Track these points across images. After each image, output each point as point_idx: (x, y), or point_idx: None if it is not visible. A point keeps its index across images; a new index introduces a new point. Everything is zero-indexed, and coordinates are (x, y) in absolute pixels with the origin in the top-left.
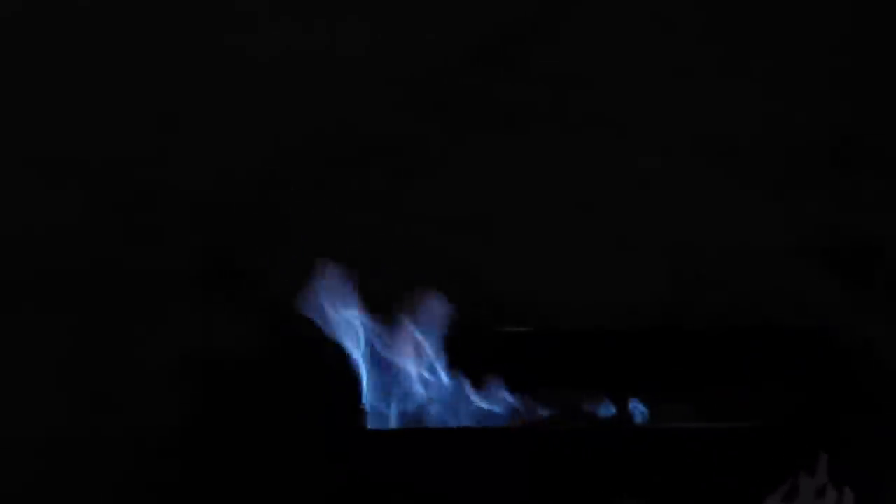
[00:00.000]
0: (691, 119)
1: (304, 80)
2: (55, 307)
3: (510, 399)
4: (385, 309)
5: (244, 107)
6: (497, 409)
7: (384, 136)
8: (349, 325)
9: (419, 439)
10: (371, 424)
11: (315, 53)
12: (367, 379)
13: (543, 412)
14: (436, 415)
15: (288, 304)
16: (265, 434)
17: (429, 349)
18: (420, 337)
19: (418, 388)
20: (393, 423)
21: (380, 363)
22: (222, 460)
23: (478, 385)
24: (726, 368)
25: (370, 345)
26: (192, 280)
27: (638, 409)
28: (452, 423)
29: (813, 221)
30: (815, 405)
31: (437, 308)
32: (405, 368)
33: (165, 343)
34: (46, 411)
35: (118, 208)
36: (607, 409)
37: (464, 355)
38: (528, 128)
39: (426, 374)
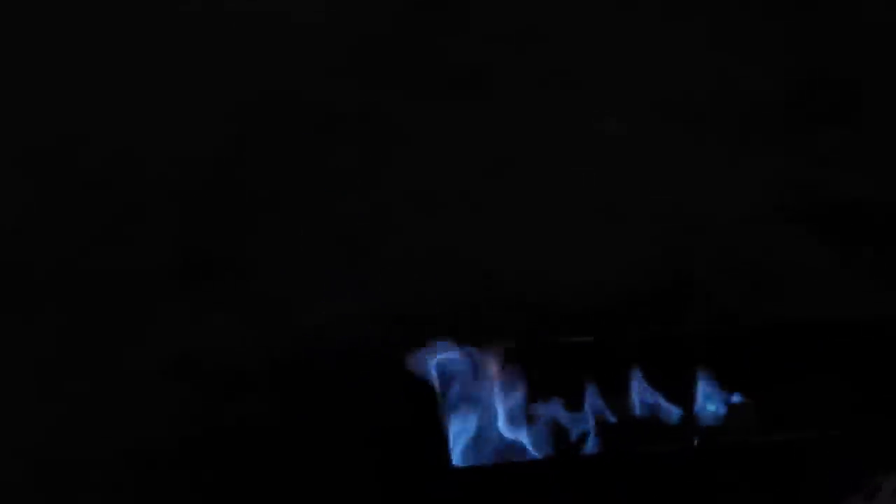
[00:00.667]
0: (654, 81)
1: (261, 48)
2: (31, 308)
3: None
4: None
5: (200, 78)
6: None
7: (347, 105)
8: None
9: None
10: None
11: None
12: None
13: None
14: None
15: (280, 297)
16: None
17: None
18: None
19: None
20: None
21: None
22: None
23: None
24: (782, 366)
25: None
26: (172, 276)
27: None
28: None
29: (784, 179)
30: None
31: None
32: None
33: (155, 345)
34: (32, 416)
35: (74, 200)
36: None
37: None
38: (490, 92)
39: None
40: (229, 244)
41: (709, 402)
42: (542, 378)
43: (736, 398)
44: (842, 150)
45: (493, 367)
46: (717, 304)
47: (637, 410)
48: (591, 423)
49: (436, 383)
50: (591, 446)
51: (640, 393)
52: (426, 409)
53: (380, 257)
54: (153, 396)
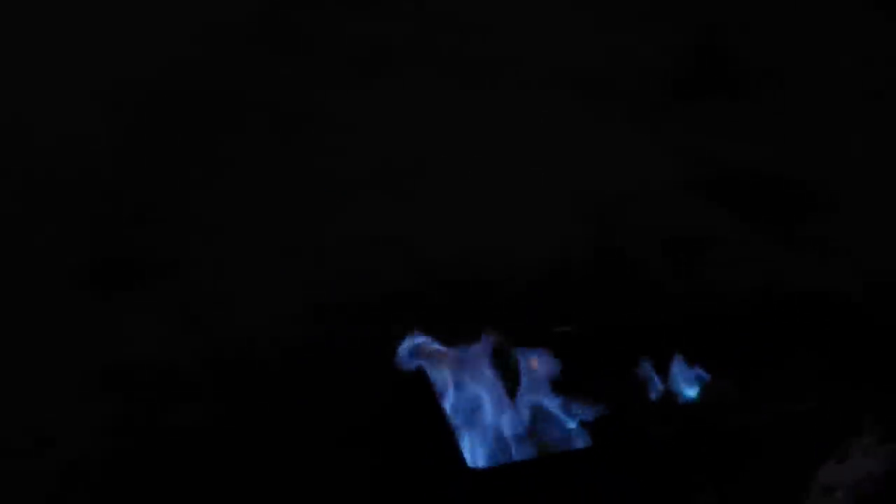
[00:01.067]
0: (564, 57)
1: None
2: None
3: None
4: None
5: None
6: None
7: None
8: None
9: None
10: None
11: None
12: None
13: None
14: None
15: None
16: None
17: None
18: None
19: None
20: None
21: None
22: None
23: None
24: (756, 342)
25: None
26: (89, 276)
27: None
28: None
29: (685, 152)
30: (851, 371)
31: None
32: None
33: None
34: None
35: None
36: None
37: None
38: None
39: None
40: (148, 242)
41: (686, 383)
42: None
43: (711, 377)
44: (738, 121)
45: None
46: (645, 275)
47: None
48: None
49: (430, 382)
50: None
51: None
52: (424, 410)
53: (312, 248)
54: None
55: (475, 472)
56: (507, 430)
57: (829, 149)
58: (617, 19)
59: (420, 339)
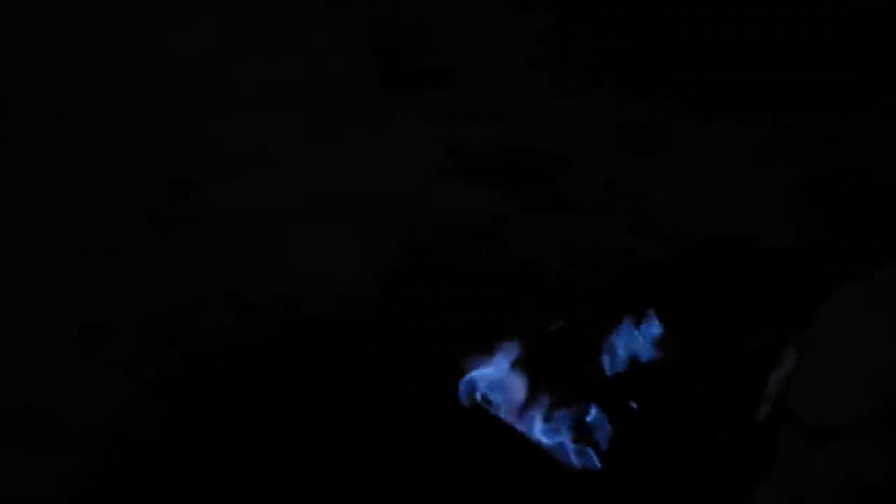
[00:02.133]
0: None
1: None
2: None
3: None
4: None
5: None
6: None
7: None
8: None
9: None
10: None
11: None
12: None
13: None
14: None
15: None
16: None
17: None
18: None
19: None
20: None
21: None
22: None
23: None
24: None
25: None
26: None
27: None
28: None
29: (427, 141)
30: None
31: None
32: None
33: None
34: None
35: None
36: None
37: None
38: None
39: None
40: None
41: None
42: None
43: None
44: (453, 106)
45: None
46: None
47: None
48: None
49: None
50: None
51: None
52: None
53: None
54: None
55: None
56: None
57: (541, 114)
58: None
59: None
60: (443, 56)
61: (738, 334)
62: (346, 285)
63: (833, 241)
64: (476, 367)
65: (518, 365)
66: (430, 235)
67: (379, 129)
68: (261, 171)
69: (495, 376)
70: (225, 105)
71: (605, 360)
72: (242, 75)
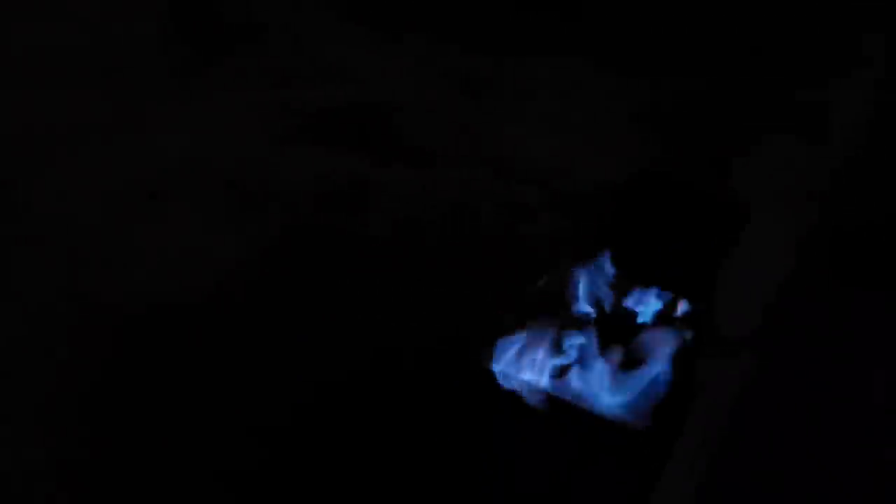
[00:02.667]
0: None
1: None
2: None
3: None
4: None
5: None
6: None
7: None
8: None
9: None
10: None
11: None
12: None
13: None
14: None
15: None
16: None
17: None
18: None
19: None
20: None
21: None
22: None
23: None
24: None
25: None
26: None
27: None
28: None
29: (252, 105)
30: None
31: None
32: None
33: None
34: None
35: None
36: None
37: None
38: None
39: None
40: None
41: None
42: None
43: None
44: (268, 71)
45: None
46: (340, 234)
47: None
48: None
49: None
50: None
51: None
52: None
53: None
54: None
55: None
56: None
57: (367, 67)
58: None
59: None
60: (251, 10)
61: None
62: (221, 271)
63: (678, 158)
64: (500, 349)
65: (539, 332)
66: (298, 206)
67: (201, 95)
68: (79, 156)
69: (527, 351)
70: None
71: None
72: (21, 45)
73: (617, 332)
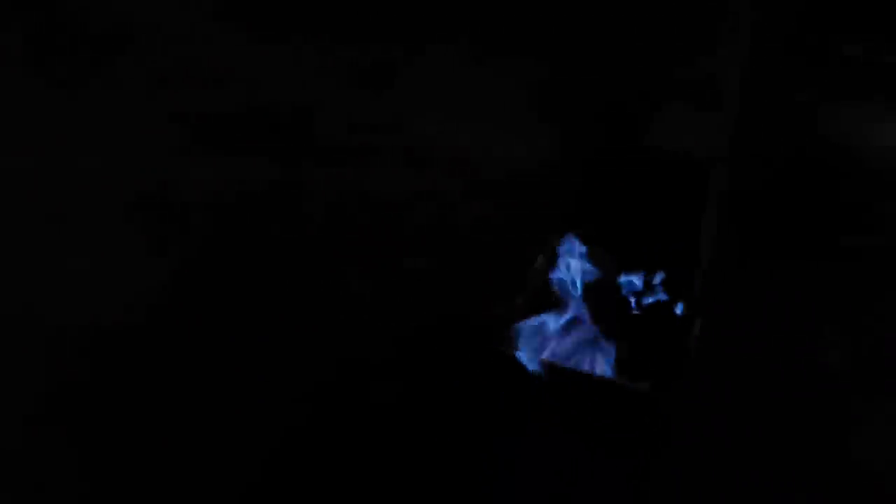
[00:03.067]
0: None
1: None
2: None
3: None
4: None
5: None
6: None
7: None
8: None
9: None
10: None
11: None
12: None
13: None
14: None
15: None
16: None
17: None
18: None
19: None
20: None
21: None
22: None
23: None
24: None
25: None
26: None
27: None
28: None
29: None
30: None
31: None
32: None
33: None
34: None
35: None
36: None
37: None
38: None
39: None
40: None
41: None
42: None
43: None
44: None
45: None
46: (261, 244)
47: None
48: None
49: None
50: None
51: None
52: None
53: None
54: None
55: None
56: None
57: (252, 67)
58: None
59: None
60: (116, 17)
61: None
62: (150, 293)
63: (572, 137)
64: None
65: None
66: (218, 217)
67: (86, 109)
68: None
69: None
70: None
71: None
72: None
73: (607, 306)
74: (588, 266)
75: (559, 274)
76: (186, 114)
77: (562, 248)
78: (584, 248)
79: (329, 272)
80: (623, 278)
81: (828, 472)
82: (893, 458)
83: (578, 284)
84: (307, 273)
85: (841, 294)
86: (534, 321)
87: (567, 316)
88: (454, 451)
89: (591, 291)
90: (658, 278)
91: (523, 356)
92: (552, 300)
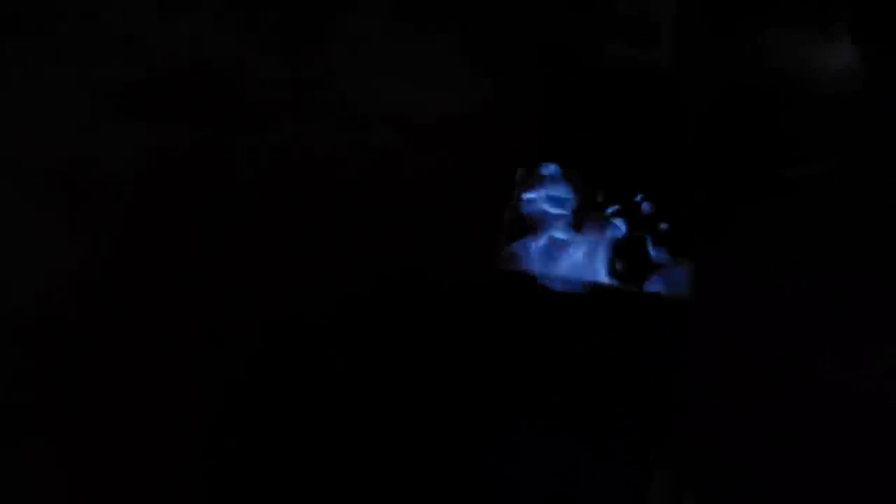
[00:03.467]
0: None
1: None
2: None
3: None
4: None
5: None
6: None
7: None
8: None
9: None
10: None
11: None
12: None
13: None
14: None
15: None
16: None
17: None
18: None
19: None
20: None
21: None
22: None
23: None
24: None
25: None
26: None
27: None
28: None
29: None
30: None
31: None
32: None
33: None
34: None
35: None
36: None
37: None
38: None
39: None
40: None
41: None
42: None
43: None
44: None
45: None
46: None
47: None
48: None
49: None
50: None
51: None
52: None
53: None
54: None
55: None
56: None
57: (165, 34)
58: None
59: None
60: None
61: None
62: (84, 274)
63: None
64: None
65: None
66: (149, 188)
67: None
68: None
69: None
70: None
71: None
72: None
73: (594, 224)
74: (567, 188)
75: (540, 201)
76: (98, 84)
77: (536, 176)
78: (559, 171)
79: (270, 236)
80: (602, 197)
81: (805, 396)
82: (867, 376)
83: (562, 208)
84: (245, 239)
85: (788, 227)
86: (529, 240)
87: (558, 236)
88: (446, 440)
89: (575, 212)
90: (639, 196)
91: (535, 271)
92: (536, 226)
